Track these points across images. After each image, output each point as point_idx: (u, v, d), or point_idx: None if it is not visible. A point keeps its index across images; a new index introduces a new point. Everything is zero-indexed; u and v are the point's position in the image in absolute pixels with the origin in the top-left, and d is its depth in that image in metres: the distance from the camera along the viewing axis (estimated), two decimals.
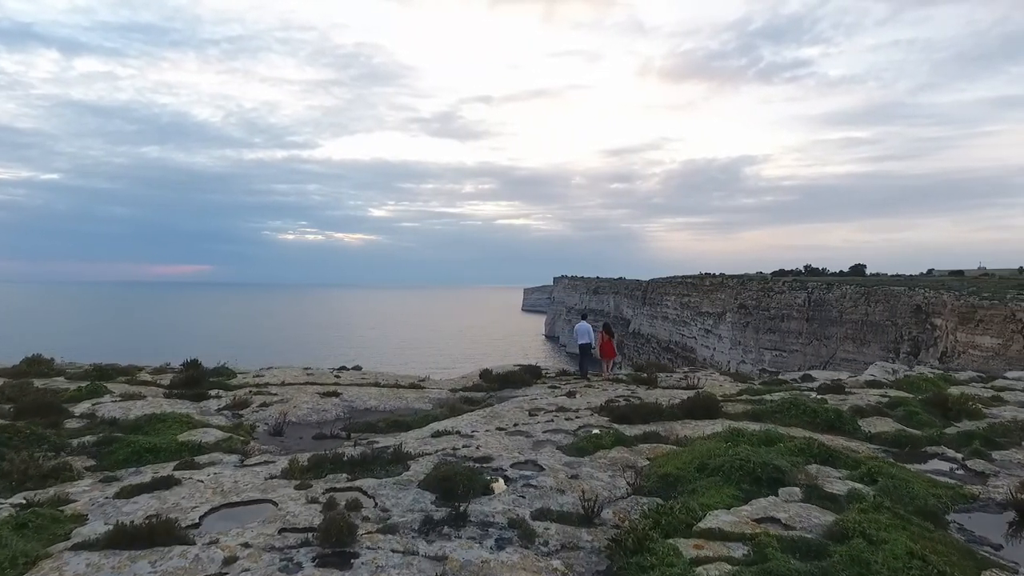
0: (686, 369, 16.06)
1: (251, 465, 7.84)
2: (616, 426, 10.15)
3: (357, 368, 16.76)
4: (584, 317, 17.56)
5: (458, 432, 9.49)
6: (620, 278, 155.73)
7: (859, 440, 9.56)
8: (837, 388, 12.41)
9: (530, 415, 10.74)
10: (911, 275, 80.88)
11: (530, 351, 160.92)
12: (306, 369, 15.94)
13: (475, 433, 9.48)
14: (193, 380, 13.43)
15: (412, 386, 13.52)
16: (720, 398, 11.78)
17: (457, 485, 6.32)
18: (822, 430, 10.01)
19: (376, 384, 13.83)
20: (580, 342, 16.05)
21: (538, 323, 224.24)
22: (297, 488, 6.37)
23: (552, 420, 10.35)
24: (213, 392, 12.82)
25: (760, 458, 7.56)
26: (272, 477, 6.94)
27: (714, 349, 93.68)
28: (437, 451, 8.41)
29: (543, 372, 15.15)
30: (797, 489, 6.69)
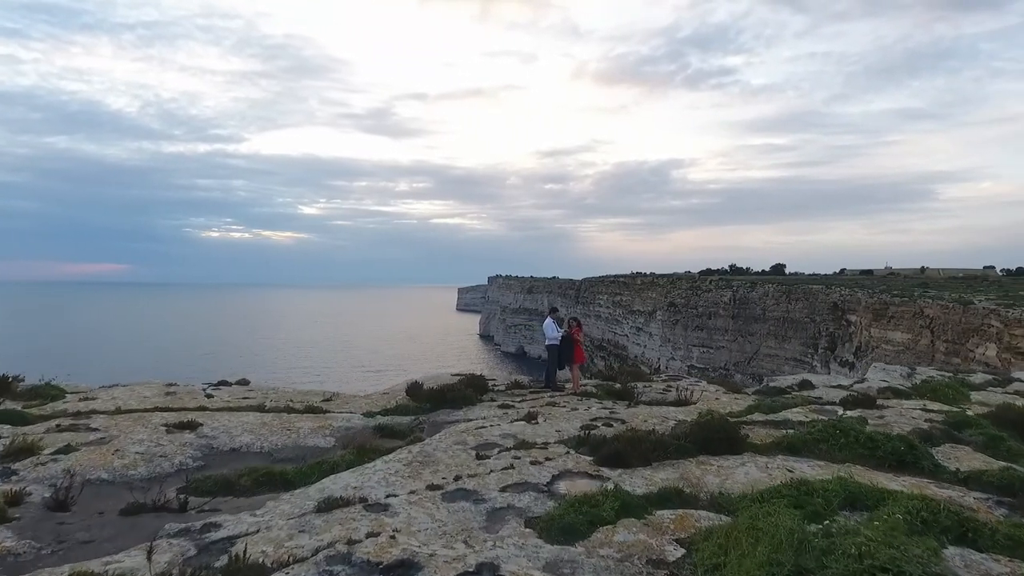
0: (664, 377, 12.92)
1: None
2: (607, 472, 6.60)
3: (243, 383, 12.24)
4: (553, 312, 12.82)
5: (363, 500, 5.57)
6: (554, 277, 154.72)
7: (950, 484, 6.56)
8: (866, 401, 9.48)
9: (478, 457, 7.00)
10: (826, 274, 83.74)
11: (466, 351, 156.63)
12: (168, 386, 11.35)
13: (391, 500, 5.60)
14: None
15: (310, 409, 9.36)
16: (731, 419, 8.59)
17: None
18: (889, 467, 6.96)
19: (260, 408, 9.56)
20: (549, 342, 12.16)
21: (473, 322, 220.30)
22: None
23: (512, 466, 6.65)
24: None
25: (888, 555, 4.16)
26: None
27: (645, 347, 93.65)
28: (318, 552, 4.49)
29: (490, 385, 11.41)
30: None
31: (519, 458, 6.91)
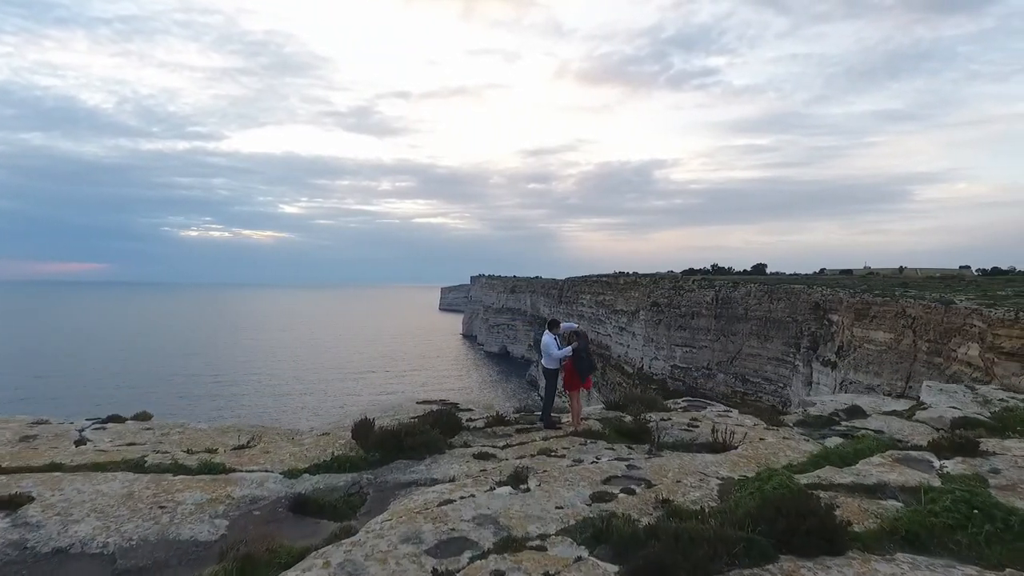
0: (682, 403, 10.14)
1: None
2: None
3: (142, 417, 9.11)
4: (553, 327, 9.48)
5: None
6: (537, 277, 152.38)
7: None
8: (966, 446, 6.88)
9: (436, 570, 4.24)
10: (806, 274, 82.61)
11: (448, 352, 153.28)
12: (33, 425, 8.26)
13: None
14: None
15: (207, 468, 6.40)
16: (785, 473, 5.95)
17: None
18: None
19: (139, 465, 6.61)
20: (547, 364, 9.21)
21: (456, 322, 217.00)
22: None
23: None
24: None
25: None
26: None
27: (628, 346, 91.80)
28: None
29: (464, 420, 8.53)
30: None
31: (507, 572, 4.15)
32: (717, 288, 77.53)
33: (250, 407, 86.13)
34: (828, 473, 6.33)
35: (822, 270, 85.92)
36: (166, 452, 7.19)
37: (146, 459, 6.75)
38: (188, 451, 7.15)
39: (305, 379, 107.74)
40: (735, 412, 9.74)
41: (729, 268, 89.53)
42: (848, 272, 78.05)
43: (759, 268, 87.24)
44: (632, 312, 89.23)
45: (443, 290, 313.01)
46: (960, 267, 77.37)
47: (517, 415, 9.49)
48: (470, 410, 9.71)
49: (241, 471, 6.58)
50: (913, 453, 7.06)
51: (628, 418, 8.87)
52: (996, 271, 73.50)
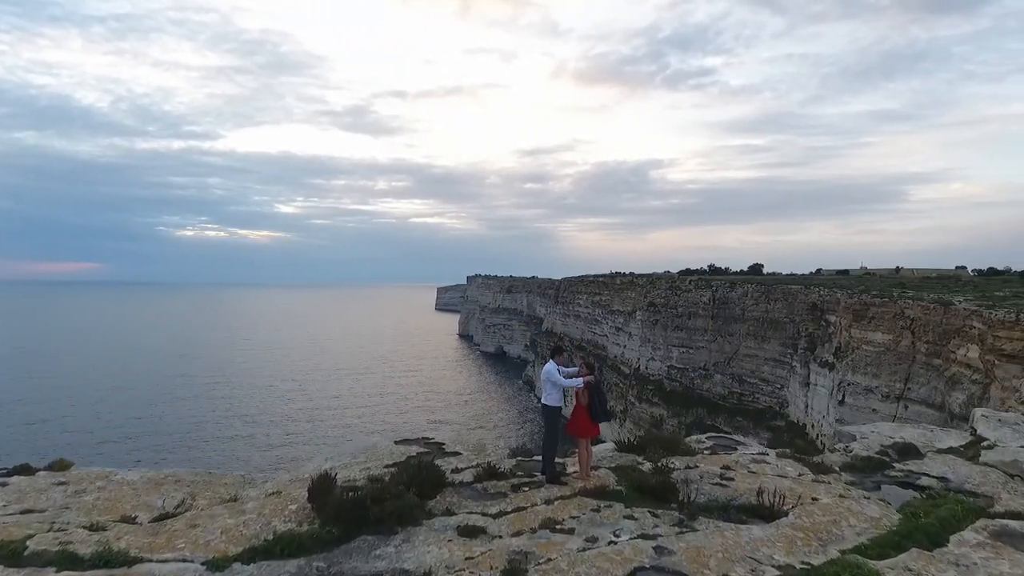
0: (707, 442, 8.40)
1: None
2: None
3: (57, 467, 7.29)
4: (556, 354, 7.92)
5: None
6: (533, 277, 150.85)
7: None
8: None
9: None
10: (803, 274, 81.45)
11: (444, 352, 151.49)
12: None
13: None
14: None
15: (101, 561, 4.78)
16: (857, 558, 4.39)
17: None
18: None
19: (15, 554, 4.93)
20: (548, 401, 7.57)
21: (452, 322, 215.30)
22: None
23: None
24: None
25: None
26: None
27: (624, 347, 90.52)
28: None
29: (449, 475, 6.83)
30: None
31: None
32: (714, 288, 76.31)
33: (236, 415, 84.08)
34: (918, 562, 4.75)
35: (818, 270, 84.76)
36: (64, 527, 5.52)
37: (29, 542, 5.09)
38: (92, 526, 5.50)
39: (299, 379, 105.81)
40: (771, 454, 8.08)
41: (726, 268, 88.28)
42: (845, 272, 76.90)
43: (756, 268, 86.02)
44: (629, 312, 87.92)
45: (439, 290, 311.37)
46: (956, 267, 76.37)
47: (513, 462, 7.83)
48: (457, 454, 8.15)
49: (150, 560, 4.93)
50: (1012, 524, 5.49)
51: (647, 466, 7.24)
52: (992, 271, 72.49)
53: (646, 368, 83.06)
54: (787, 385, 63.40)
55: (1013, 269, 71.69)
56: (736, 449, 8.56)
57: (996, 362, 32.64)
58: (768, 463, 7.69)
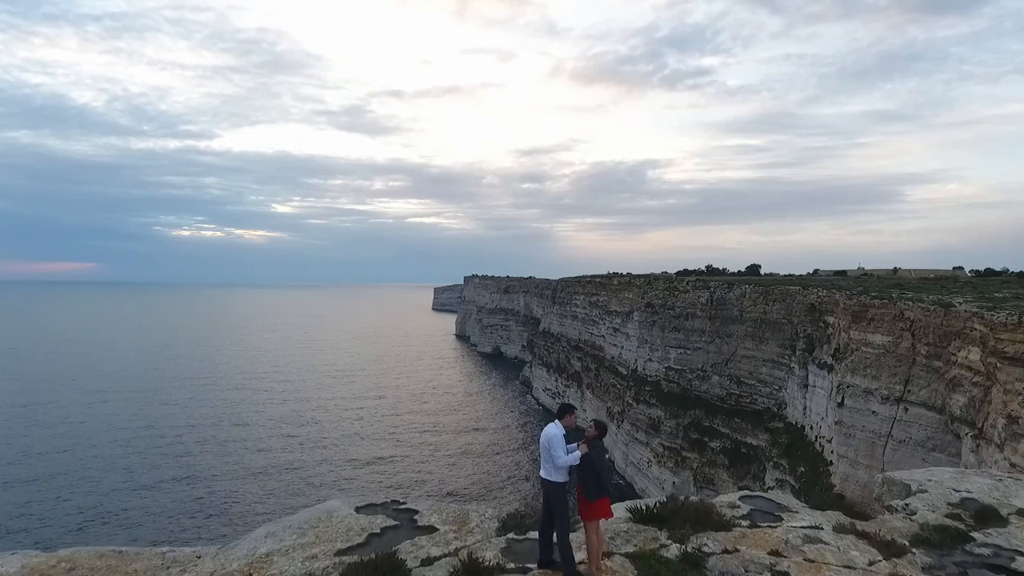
0: (743, 507, 7.48)
1: None
2: None
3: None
4: (565, 412, 6.44)
5: None
6: (530, 277, 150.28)
7: None
8: None
9: None
10: (800, 275, 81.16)
11: (441, 353, 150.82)
12: None
13: None
14: None
15: None
16: None
17: None
18: None
19: None
20: (547, 475, 6.31)
21: (449, 322, 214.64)
22: None
23: None
24: None
25: None
26: None
27: (622, 348, 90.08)
28: None
29: (412, 572, 5.85)
30: None
31: None
32: (712, 289, 75.93)
33: (226, 425, 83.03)
34: None
35: (816, 271, 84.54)
36: None
37: None
38: None
39: (296, 387, 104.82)
40: (826, 528, 6.97)
41: (724, 269, 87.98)
42: (842, 273, 76.67)
43: (753, 269, 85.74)
44: (626, 313, 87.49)
45: (436, 290, 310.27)
46: (953, 268, 76.28)
47: (502, 542, 6.57)
48: (432, 529, 6.89)
49: None
50: None
51: (672, 549, 6.20)
52: (989, 272, 72.38)
53: (643, 369, 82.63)
54: (785, 387, 63.02)
55: (1010, 269, 71.64)
56: (781, 519, 7.34)
57: (998, 365, 32.31)
58: (826, 543, 6.55)
